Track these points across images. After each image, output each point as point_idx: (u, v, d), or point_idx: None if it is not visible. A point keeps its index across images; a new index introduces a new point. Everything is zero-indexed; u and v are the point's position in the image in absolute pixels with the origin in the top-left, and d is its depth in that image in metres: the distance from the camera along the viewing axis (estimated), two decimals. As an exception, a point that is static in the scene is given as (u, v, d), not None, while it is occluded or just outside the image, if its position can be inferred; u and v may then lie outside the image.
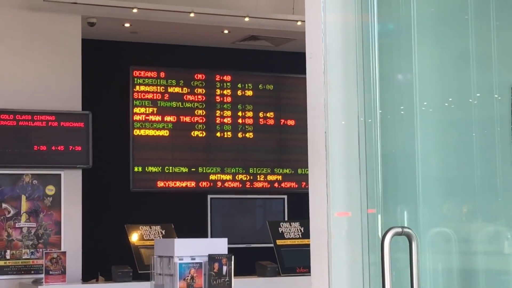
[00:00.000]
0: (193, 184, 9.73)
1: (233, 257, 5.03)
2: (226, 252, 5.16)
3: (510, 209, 2.76)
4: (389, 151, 3.07)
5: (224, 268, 5.03)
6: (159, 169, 9.54)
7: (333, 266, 3.00)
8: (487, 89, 2.80)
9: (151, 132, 9.57)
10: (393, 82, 3.16)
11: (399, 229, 2.60)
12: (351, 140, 3.06)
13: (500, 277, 2.77)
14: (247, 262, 7.90)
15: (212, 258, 5.01)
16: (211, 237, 9.64)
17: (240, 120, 10.07)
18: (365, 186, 3.02)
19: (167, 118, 9.62)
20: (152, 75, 9.62)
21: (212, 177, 9.81)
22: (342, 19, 3.17)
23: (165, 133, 9.62)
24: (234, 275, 6.04)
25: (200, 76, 9.81)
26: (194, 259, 5.00)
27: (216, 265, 5.01)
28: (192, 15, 8.45)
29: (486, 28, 2.78)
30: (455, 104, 3.01)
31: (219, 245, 5.26)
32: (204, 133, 9.82)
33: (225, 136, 9.92)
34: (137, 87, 9.52)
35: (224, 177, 9.91)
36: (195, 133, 9.74)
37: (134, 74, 9.49)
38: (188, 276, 4.95)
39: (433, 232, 2.97)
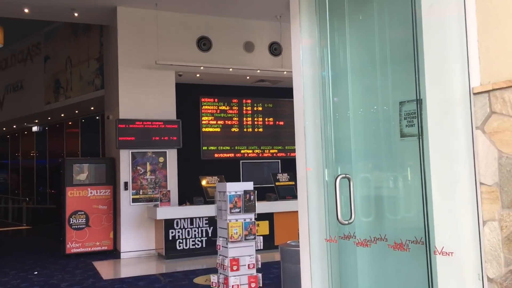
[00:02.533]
0: (232, 155, 10.27)
1: (256, 191, 5.15)
2: (252, 188, 5.18)
3: (392, 165, 2.85)
4: (337, 136, 3.08)
5: (252, 196, 5.13)
6: (215, 147, 10.12)
7: (309, 195, 3.15)
8: (386, 103, 2.83)
9: (211, 129, 10.15)
10: (339, 100, 3.10)
11: (343, 175, 2.80)
12: (317, 130, 3.11)
13: (390, 200, 2.89)
14: (262, 194, 8.20)
15: (246, 192, 5.12)
16: (242, 181, 9.72)
17: (255, 122, 10.52)
18: (324, 154, 3.09)
19: (219, 122, 10.22)
20: (210, 100, 10.22)
21: (242, 151, 10.35)
22: (311, 69, 3.19)
23: (218, 129, 10.21)
24: (256, 200, 7.66)
25: (235, 100, 10.38)
26: (236, 192, 5.10)
27: (247, 195, 5.10)
28: (231, 70, 9.17)
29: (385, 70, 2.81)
30: (369, 111, 3.02)
31: (249, 185, 5.21)
32: (238, 129, 10.36)
33: (248, 130, 10.45)
34: (203, 106, 10.14)
35: (248, 151, 10.42)
36: (233, 129, 10.33)
37: (201, 100, 10.13)
38: (234, 201, 5.09)
39: (359, 177, 3.00)
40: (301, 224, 3.18)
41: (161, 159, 8.88)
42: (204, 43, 9.13)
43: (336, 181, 2.77)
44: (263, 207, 8.06)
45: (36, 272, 7.40)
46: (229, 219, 5.08)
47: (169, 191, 8.33)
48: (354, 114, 3.04)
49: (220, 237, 5.25)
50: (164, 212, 8.08)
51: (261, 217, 8.18)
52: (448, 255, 2.34)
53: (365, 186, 3.02)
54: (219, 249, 5.25)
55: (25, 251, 9.56)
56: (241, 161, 10.33)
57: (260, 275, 5.20)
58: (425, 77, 2.46)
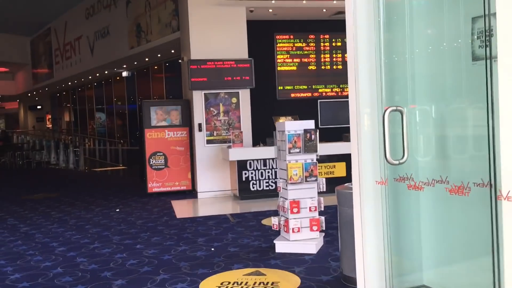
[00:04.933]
0: (309, 94, 10.03)
1: (318, 131, 4.85)
2: (313, 127, 4.90)
3: (459, 95, 2.62)
4: (391, 62, 2.85)
5: (313, 136, 4.86)
6: (292, 87, 9.88)
7: (360, 132, 2.89)
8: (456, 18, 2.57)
9: (286, 68, 9.87)
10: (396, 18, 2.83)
11: (394, 107, 2.57)
12: (372, 67, 2.80)
13: (453, 137, 2.64)
14: (340, 135, 8.21)
15: (306, 131, 4.84)
16: (321, 121, 9.67)
17: (334, 59, 10.08)
18: (379, 92, 2.81)
19: (295, 60, 9.88)
20: (285, 37, 9.85)
21: (320, 90, 10.06)
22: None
23: (294, 68, 9.91)
24: (330, 141, 7.23)
25: (312, 36, 9.97)
26: (296, 131, 4.82)
27: (308, 135, 4.83)
28: (304, 2, 8.82)
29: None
30: (433, 28, 2.78)
31: (310, 124, 4.89)
32: (315, 67, 10.00)
33: (327, 68, 10.06)
34: (278, 44, 9.79)
35: (326, 90, 10.09)
36: (310, 67, 9.98)
37: (276, 37, 9.80)
38: (293, 141, 4.83)
39: (417, 110, 2.82)
40: (353, 165, 2.97)
41: (234, 100, 8.87)
42: (276, -25, 8.73)
43: (385, 114, 2.53)
44: (339, 148, 8.02)
45: (118, 210, 7.84)
46: (288, 160, 4.84)
47: (241, 132, 8.34)
48: (414, 32, 2.77)
49: (280, 178, 5.08)
50: (237, 153, 8.15)
51: (337, 158, 8.21)
52: None
53: (424, 120, 2.80)
54: (279, 191, 5.09)
55: (114, 190, 10.31)
56: (319, 101, 10.06)
57: (322, 218, 4.98)
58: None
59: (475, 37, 2.46)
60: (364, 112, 2.79)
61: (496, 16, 2.02)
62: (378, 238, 2.81)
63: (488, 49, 2.17)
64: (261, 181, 8.23)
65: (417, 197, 2.76)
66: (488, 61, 2.14)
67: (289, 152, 4.88)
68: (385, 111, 2.51)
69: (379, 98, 2.74)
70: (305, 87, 9.94)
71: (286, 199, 4.97)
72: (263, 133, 8.60)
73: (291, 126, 4.90)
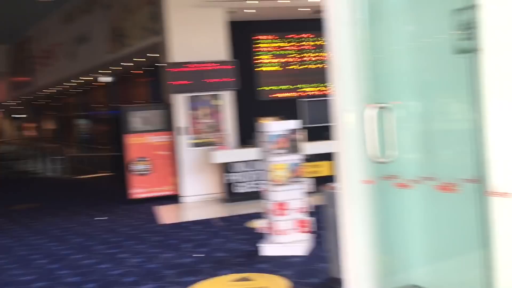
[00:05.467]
0: (294, 94, 9.74)
1: (306, 130, 5.02)
2: (297, 127, 4.79)
3: (443, 89, 2.57)
4: (373, 73, 2.69)
5: (297, 136, 4.74)
6: (276, 87, 9.67)
7: (345, 128, 2.75)
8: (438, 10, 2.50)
9: (269, 68, 9.70)
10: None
11: (378, 104, 2.48)
12: (354, 64, 2.67)
13: (439, 133, 2.62)
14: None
15: (290, 131, 4.70)
16: (306, 120, 9.13)
17: (317, 58, 9.84)
18: (362, 89, 2.66)
19: (277, 60, 9.68)
20: (267, 37, 9.68)
21: (305, 89, 9.81)
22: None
23: (276, 68, 9.70)
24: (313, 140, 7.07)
25: (294, 35, 9.74)
26: (279, 132, 4.69)
27: (292, 135, 4.74)
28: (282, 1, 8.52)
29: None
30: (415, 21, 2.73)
31: (293, 124, 4.80)
32: (299, 66, 9.75)
33: (310, 67, 9.87)
34: (260, 44, 9.63)
35: (311, 89, 9.85)
36: (292, 66, 9.76)
37: (257, 37, 9.60)
38: (276, 141, 4.73)
39: (400, 106, 2.69)
40: (338, 164, 2.88)
41: (217, 102, 8.71)
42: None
43: (367, 111, 2.47)
44: (326, 147, 7.69)
45: (100, 218, 7.66)
46: (272, 161, 4.74)
47: (226, 134, 8.29)
48: (396, 28, 2.73)
49: (265, 180, 4.95)
50: (221, 156, 8.04)
51: (326, 157, 7.92)
52: (506, 196, 1.97)
53: (410, 117, 2.73)
54: (265, 193, 4.97)
55: (98, 197, 10.08)
56: (303, 100, 9.88)
57: (311, 219, 4.90)
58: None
59: (458, 30, 2.36)
60: (347, 110, 2.70)
61: (478, 8, 2.00)
62: (365, 238, 2.75)
63: (471, 41, 2.13)
64: (247, 183, 8.11)
65: (405, 195, 2.71)
66: (472, 54, 2.10)
67: (272, 153, 4.79)
68: (368, 108, 2.47)
69: (362, 96, 2.66)
70: (289, 87, 9.77)
71: (272, 201, 4.87)
72: (248, 135, 8.44)
73: (273, 127, 4.84)
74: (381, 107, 2.47)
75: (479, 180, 2.12)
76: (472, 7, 2.06)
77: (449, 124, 2.60)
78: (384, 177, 2.72)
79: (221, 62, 8.53)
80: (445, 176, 2.40)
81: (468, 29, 2.17)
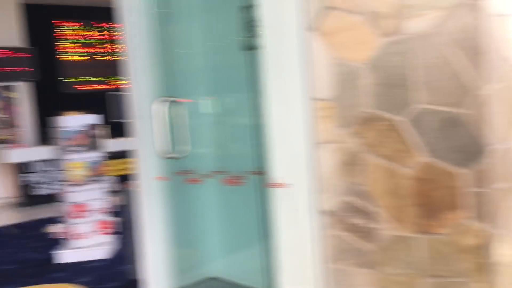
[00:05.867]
0: (99, 86, 8.97)
1: (110, 126, 4.71)
2: (97, 122, 4.61)
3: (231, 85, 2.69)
4: (167, 69, 2.73)
5: (96, 132, 4.57)
6: (80, 79, 8.83)
7: (139, 124, 2.79)
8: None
9: (71, 58, 8.82)
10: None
11: (164, 99, 2.51)
12: (146, 60, 2.67)
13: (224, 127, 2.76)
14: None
15: (88, 126, 4.52)
16: (111, 115, 7.95)
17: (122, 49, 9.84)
18: (155, 85, 2.68)
19: (83, 49, 8.87)
20: (71, 24, 8.79)
21: (110, 82, 9.03)
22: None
23: (81, 58, 8.88)
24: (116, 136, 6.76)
25: (99, 24, 9.00)
26: (76, 127, 4.49)
27: (91, 131, 4.54)
28: None
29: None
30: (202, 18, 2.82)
31: (93, 119, 4.61)
32: (104, 57, 9.08)
33: (115, 58, 8.89)
34: (61, 31, 8.70)
35: (117, 82, 8.93)
36: (97, 57, 9.02)
37: (58, 23, 8.65)
38: (73, 138, 4.48)
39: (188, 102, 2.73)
40: (135, 161, 2.91)
41: (11, 95, 7.80)
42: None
43: (156, 106, 2.46)
44: (132, 144, 7.54)
45: None
46: (68, 159, 4.36)
47: (22, 130, 7.56)
48: (190, 25, 2.77)
49: (63, 180, 4.53)
50: (16, 155, 7.23)
51: (130, 154, 7.64)
52: (283, 186, 2.05)
53: (202, 113, 2.81)
54: (62, 194, 4.55)
55: None
56: (112, 94, 9.10)
57: (115, 219, 4.63)
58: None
59: (244, 28, 2.47)
60: (141, 106, 2.66)
61: (259, 8, 2.04)
62: (161, 236, 2.72)
63: (255, 39, 2.17)
64: (48, 184, 7.42)
65: (199, 190, 2.74)
66: (255, 51, 2.14)
67: (69, 151, 4.43)
68: (157, 103, 2.44)
69: (156, 91, 2.65)
70: (94, 78, 9.00)
71: (69, 202, 4.48)
72: (50, 131, 7.83)
73: (70, 122, 4.54)
74: (171, 102, 2.45)
75: (261, 172, 2.19)
76: (252, 6, 2.12)
77: (237, 120, 2.68)
78: (178, 172, 2.70)
79: (16, 49, 7.67)
80: (234, 170, 2.47)
81: (252, 27, 2.25)
